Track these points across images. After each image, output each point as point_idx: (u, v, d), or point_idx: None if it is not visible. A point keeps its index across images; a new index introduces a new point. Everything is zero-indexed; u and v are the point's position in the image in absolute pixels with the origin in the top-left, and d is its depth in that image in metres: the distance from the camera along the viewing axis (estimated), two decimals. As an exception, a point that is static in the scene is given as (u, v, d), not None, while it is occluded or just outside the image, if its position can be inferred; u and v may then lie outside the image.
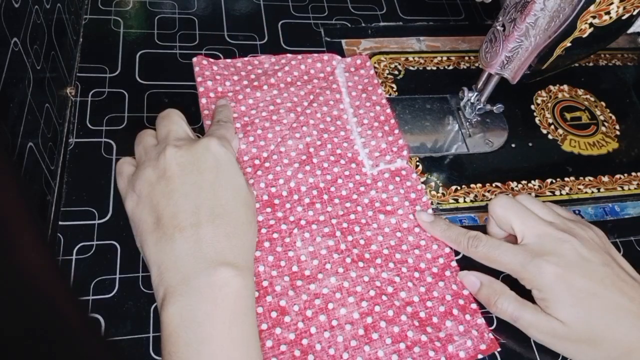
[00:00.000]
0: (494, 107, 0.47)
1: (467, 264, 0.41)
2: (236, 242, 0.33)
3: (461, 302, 0.39)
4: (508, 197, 0.39)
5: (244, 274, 0.33)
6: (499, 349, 0.37)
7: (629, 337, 0.34)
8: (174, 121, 0.38)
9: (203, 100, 0.46)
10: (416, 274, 0.40)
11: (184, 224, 0.32)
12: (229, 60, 0.49)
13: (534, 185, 0.47)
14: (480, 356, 0.37)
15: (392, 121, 0.47)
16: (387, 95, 0.50)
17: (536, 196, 0.46)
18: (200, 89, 0.46)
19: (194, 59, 0.48)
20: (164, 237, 0.32)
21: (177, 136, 0.37)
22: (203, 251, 0.32)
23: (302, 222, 0.41)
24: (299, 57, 0.50)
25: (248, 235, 0.35)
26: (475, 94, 0.47)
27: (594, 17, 0.37)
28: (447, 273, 0.40)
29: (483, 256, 0.38)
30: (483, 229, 0.44)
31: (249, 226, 0.35)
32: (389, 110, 0.48)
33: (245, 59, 0.49)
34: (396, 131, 0.47)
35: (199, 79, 0.47)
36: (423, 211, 0.43)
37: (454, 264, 0.41)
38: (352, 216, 0.42)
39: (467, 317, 0.38)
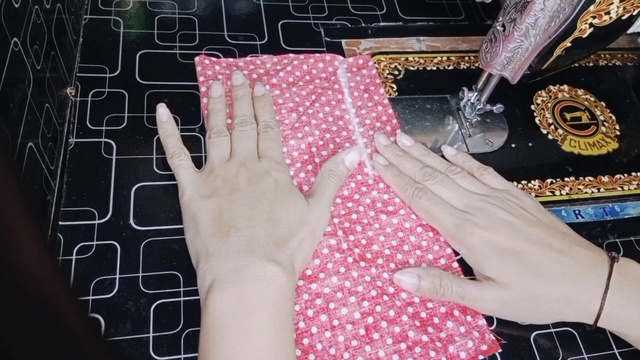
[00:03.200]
0: (494, 107, 0.47)
1: (468, 264, 0.41)
2: (285, 250, 0.35)
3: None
4: (443, 178, 0.42)
5: (289, 275, 0.34)
6: (499, 350, 0.37)
7: (563, 287, 0.36)
8: (252, 137, 0.42)
9: (205, 100, 0.46)
10: (416, 274, 0.40)
11: (240, 225, 0.35)
12: (230, 60, 0.49)
13: (534, 185, 0.47)
14: (481, 357, 0.37)
15: (394, 121, 0.47)
16: (387, 95, 0.50)
17: (536, 196, 0.46)
18: (202, 89, 0.46)
19: (196, 59, 0.48)
20: (219, 232, 0.35)
21: (251, 157, 0.40)
22: (254, 249, 0.34)
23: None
24: (301, 57, 0.50)
25: (301, 249, 0.37)
26: (475, 94, 0.47)
27: (594, 17, 0.37)
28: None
29: (424, 209, 0.41)
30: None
31: (300, 241, 0.37)
32: (390, 111, 0.48)
33: (247, 58, 0.49)
34: (398, 131, 0.47)
35: (200, 79, 0.47)
36: (379, 155, 0.44)
37: (455, 264, 0.41)
38: (354, 216, 0.42)
39: (469, 318, 0.38)
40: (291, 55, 0.50)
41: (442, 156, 0.45)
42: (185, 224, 0.38)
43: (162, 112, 0.43)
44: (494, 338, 0.38)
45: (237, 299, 0.32)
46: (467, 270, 0.41)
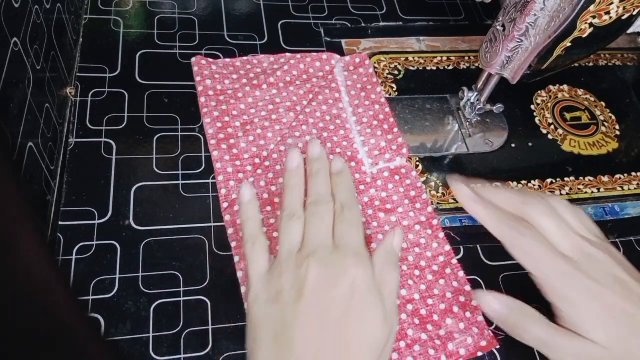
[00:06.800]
0: (494, 107, 0.47)
1: (468, 263, 0.41)
2: None
3: (462, 299, 0.39)
4: (548, 204, 0.35)
5: None
6: (498, 346, 0.38)
7: None
8: (326, 221, 0.35)
9: (202, 99, 0.46)
10: (416, 272, 0.40)
11: (301, 352, 0.30)
12: (227, 60, 0.49)
13: (534, 185, 0.47)
14: (480, 353, 0.37)
15: (391, 120, 0.47)
16: (387, 96, 0.50)
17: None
18: (200, 88, 0.46)
19: (193, 59, 0.48)
20: (277, 358, 0.30)
21: (324, 246, 0.34)
22: None
23: (302, 222, 0.41)
24: (298, 56, 0.50)
25: None
26: (475, 94, 0.47)
27: (594, 17, 0.37)
28: (448, 271, 0.40)
29: (528, 249, 0.34)
30: (483, 229, 0.44)
31: None
32: (387, 109, 0.48)
33: (245, 58, 0.49)
34: (395, 129, 0.47)
35: (197, 79, 0.47)
36: (457, 181, 0.38)
37: (454, 261, 0.41)
38: (352, 216, 0.42)
39: (468, 314, 0.38)
40: (288, 54, 0.50)
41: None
42: (248, 327, 0.33)
43: (245, 192, 0.38)
44: (492, 334, 0.38)
45: None
46: (467, 268, 0.41)
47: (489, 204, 0.36)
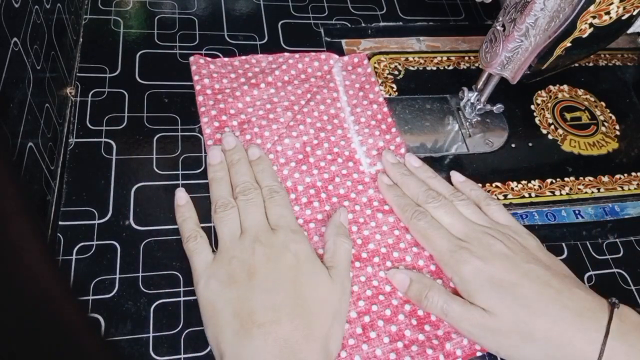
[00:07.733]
0: (494, 107, 0.47)
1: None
2: (314, 346, 0.33)
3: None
4: (445, 201, 0.41)
5: None
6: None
7: (559, 326, 0.34)
8: (259, 206, 0.39)
9: (200, 98, 0.46)
10: (416, 274, 0.40)
11: (263, 320, 0.33)
12: (226, 59, 0.49)
13: (534, 185, 0.47)
14: (479, 354, 0.37)
15: (389, 119, 0.48)
16: (387, 95, 0.50)
17: (536, 196, 0.46)
18: (197, 87, 0.46)
19: (191, 58, 0.48)
20: (241, 330, 0.33)
21: (263, 229, 0.37)
22: (281, 352, 0.32)
23: (300, 221, 0.41)
24: (296, 55, 0.50)
25: (331, 335, 0.34)
26: (475, 94, 0.47)
27: (594, 17, 0.37)
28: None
29: (421, 232, 0.40)
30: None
31: (329, 328, 0.34)
32: (385, 109, 0.48)
33: (243, 57, 0.49)
34: (393, 129, 0.47)
35: (195, 78, 0.47)
36: (384, 175, 0.44)
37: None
38: (350, 216, 0.42)
39: None
40: (286, 54, 0.50)
41: (448, 178, 0.45)
42: (204, 316, 0.35)
43: (181, 196, 0.40)
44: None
45: None
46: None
47: (400, 192, 0.42)
